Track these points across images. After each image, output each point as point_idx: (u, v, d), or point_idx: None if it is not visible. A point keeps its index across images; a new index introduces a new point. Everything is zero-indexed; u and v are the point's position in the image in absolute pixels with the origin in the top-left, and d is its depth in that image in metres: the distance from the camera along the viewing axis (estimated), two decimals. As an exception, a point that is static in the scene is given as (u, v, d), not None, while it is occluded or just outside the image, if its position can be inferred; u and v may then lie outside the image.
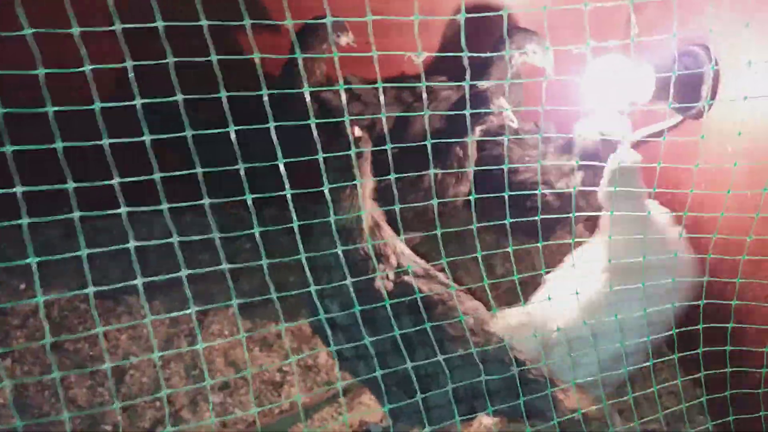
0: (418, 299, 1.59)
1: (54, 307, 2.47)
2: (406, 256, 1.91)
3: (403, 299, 1.66)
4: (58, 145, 1.16)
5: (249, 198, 1.30)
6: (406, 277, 1.80)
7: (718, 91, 2.23)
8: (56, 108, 1.10)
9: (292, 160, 1.30)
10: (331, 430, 2.21)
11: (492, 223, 1.57)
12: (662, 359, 1.86)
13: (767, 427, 1.79)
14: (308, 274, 1.34)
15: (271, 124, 1.23)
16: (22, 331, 2.42)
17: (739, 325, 1.66)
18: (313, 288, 1.35)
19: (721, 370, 1.71)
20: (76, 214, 1.14)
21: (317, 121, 1.29)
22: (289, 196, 1.33)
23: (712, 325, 1.63)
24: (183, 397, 2.28)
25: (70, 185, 1.15)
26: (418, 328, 1.53)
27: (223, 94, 1.18)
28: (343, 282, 1.40)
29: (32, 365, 2.30)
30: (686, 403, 1.67)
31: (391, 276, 1.81)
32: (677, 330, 1.66)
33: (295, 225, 1.36)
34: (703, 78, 2.28)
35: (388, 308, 1.45)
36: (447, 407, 1.63)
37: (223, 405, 2.28)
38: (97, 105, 1.10)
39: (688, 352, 1.65)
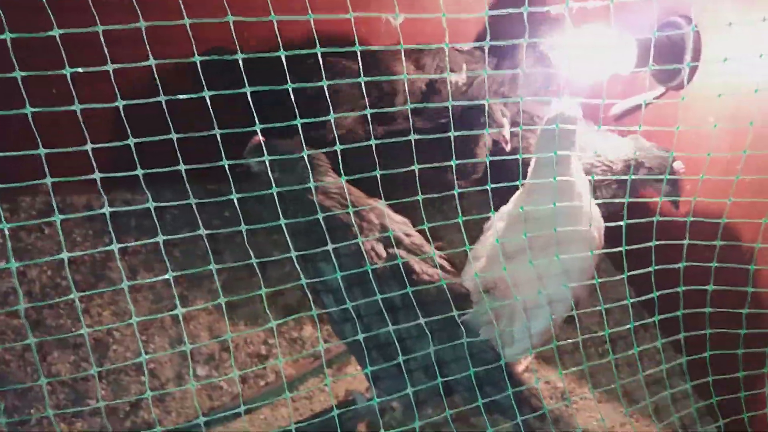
0: (405, 278, 1.60)
1: (35, 284, 2.44)
2: (394, 220, 1.89)
3: (387, 264, 1.66)
4: (27, 110, 1.14)
5: (226, 164, 1.29)
6: (398, 251, 1.78)
7: (701, 59, 2.23)
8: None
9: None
10: (316, 400, 2.22)
11: (474, 189, 1.56)
12: (642, 322, 1.88)
13: (746, 388, 1.83)
14: (288, 238, 1.34)
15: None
16: (2, 307, 2.39)
17: (720, 287, 1.67)
18: (294, 254, 1.36)
19: (701, 332, 1.73)
20: (49, 180, 1.13)
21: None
22: (267, 161, 1.32)
23: (690, 287, 1.64)
24: (168, 371, 2.28)
25: (42, 150, 1.13)
26: (402, 292, 1.53)
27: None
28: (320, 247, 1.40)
29: (14, 342, 2.28)
30: (666, 365, 1.69)
31: (382, 251, 1.80)
32: (657, 293, 1.68)
33: (274, 191, 1.37)
34: (684, 47, 2.28)
35: (370, 273, 1.45)
36: (427, 371, 1.64)
37: (209, 378, 2.27)
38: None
39: (667, 315, 1.67)
